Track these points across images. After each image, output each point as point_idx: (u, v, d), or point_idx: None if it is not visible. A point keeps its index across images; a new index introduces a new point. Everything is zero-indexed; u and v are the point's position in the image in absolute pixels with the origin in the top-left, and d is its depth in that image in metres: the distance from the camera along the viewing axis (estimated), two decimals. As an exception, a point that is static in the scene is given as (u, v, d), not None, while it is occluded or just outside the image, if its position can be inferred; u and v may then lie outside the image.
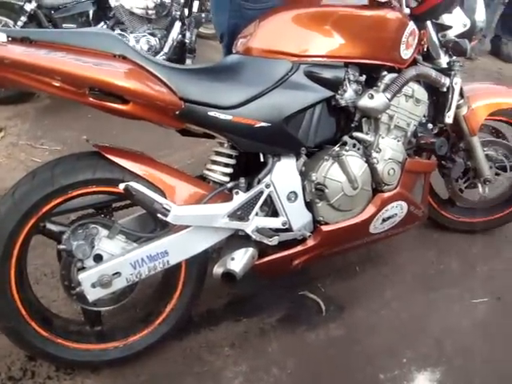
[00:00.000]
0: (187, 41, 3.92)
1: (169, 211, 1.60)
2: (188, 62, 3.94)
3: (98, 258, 1.68)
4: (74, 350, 1.80)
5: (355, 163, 1.84)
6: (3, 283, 1.63)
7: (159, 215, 1.60)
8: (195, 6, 4.02)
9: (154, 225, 1.79)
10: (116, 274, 1.65)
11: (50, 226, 1.70)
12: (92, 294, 1.66)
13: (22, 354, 1.89)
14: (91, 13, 3.79)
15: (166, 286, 1.90)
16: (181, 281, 1.83)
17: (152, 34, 3.84)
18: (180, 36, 3.91)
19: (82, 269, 1.66)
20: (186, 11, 4.01)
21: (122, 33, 3.79)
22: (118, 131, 3.29)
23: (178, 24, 3.88)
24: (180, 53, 3.94)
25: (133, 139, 2.97)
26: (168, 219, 1.61)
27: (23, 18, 3.66)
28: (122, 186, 1.59)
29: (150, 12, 3.79)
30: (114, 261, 1.65)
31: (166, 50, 3.86)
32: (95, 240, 1.67)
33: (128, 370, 1.88)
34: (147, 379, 1.86)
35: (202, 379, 1.86)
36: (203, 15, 3.94)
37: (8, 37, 1.42)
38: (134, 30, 3.82)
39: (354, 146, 1.85)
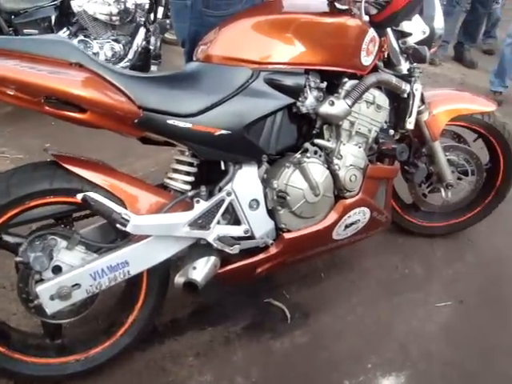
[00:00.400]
0: (152, 47, 3.89)
1: (128, 221, 1.58)
2: (153, 68, 3.91)
3: (57, 270, 1.64)
4: (32, 365, 1.76)
5: (317, 170, 1.84)
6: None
7: (118, 225, 1.58)
8: (160, 12, 4.00)
9: (116, 234, 1.76)
10: (75, 285, 1.62)
11: (6, 237, 1.66)
12: (51, 307, 1.62)
13: (-21, 370, 1.84)
14: (53, 18, 3.72)
15: (128, 296, 1.87)
16: (143, 291, 1.81)
17: (116, 41, 3.80)
18: (144, 42, 3.88)
19: (41, 281, 1.63)
20: (151, 17, 3.98)
21: (86, 39, 3.74)
22: (82, 139, 3.18)
23: (142, 30, 3.85)
24: (145, 59, 3.90)
25: (97, 147, 2.93)
26: (127, 229, 1.59)
27: (-18, 24, 3.59)
28: (79, 197, 1.56)
29: (113, 18, 3.74)
30: (74, 272, 1.62)
31: (130, 56, 3.82)
32: (54, 251, 1.64)
33: (90, 383, 1.84)
34: (109, 394, 1.83)
35: (166, 391, 1.84)
36: (168, 21, 3.91)
37: (-42, 44, 1.39)
38: (98, 36, 3.77)
39: (316, 152, 1.85)
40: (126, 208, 1.63)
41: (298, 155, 1.82)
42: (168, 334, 2.05)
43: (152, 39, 3.89)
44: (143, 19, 3.86)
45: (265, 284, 2.25)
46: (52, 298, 1.60)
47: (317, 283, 2.32)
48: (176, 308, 2.13)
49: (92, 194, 1.56)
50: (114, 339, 1.83)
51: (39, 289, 1.59)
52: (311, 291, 2.27)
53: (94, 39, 3.77)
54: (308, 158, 1.82)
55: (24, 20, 3.68)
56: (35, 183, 1.59)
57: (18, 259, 1.62)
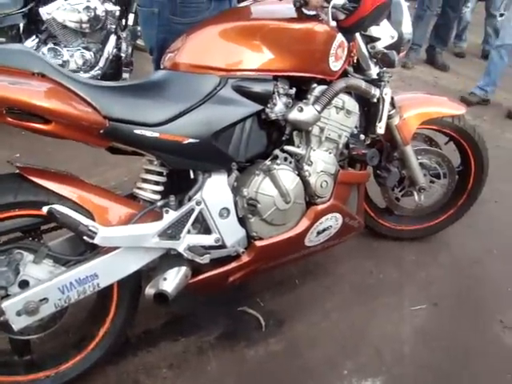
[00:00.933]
0: (123, 54, 3.84)
1: (95, 233, 1.55)
2: (125, 75, 3.86)
3: (24, 284, 1.60)
4: None
5: (287, 177, 1.83)
6: None
7: (85, 238, 1.55)
8: (131, 18, 3.95)
9: (85, 246, 1.73)
10: (43, 299, 1.58)
11: None
12: (17, 323, 1.58)
13: None
14: (21, 26, 3.65)
15: (99, 308, 1.84)
16: (113, 303, 1.78)
17: (86, 48, 3.74)
18: (116, 50, 3.82)
19: (6, 296, 1.58)
20: (122, 24, 3.94)
21: (55, 47, 3.67)
22: (53, 149, 3.16)
23: (113, 37, 3.79)
24: (116, 67, 3.85)
25: (68, 157, 2.90)
26: (95, 241, 1.56)
27: (-52, 32, 3.51)
28: (45, 209, 1.52)
29: (83, 25, 3.69)
30: (41, 286, 1.58)
31: (101, 64, 3.77)
32: (20, 265, 1.60)
33: None
34: (82, 407, 1.80)
35: (139, 405, 1.81)
36: (139, 28, 3.86)
37: None
38: (68, 44, 3.71)
39: (286, 159, 1.85)
40: (94, 220, 1.60)
41: (267, 162, 1.81)
42: (141, 345, 2.02)
43: (123, 46, 3.84)
44: (114, 26, 3.80)
45: (239, 292, 2.23)
46: (19, 313, 1.56)
47: (291, 290, 2.31)
48: (149, 319, 2.10)
49: (58, 207, 1.53)
50: (86, 353, 1.80)
51: (5, 305, 1.55)
52: (286, 298, 2.26)
53: (63, 47, 3.70)
54: (278, 164, 1.81)
55: (-9, 28, 3.61)
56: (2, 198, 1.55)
57: (-21, 274, 1.58)
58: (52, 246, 1.71)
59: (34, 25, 3.74)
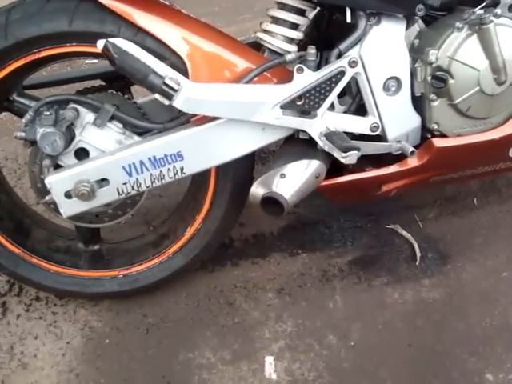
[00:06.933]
0: None
1: (176, 91, 0.98)
2: None
3: (84, 154, 1.14)
4: (53, 275, 1.34)
5: (509, 39, 1.11)
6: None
7: (158, 96, 1.00)
8: None
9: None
10: (102, 181, 1.11)
11: (20, 99, 1.20)
12: (67, 208, 1.13)
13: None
14: None
15: (190, 202, 1.36)
16: (208, 197, 1.27)
17: None
18: None
19: (57, 168, 1.13)
20: None
21: None
22: None
23: None
24: None
25: None
26: (174, 103, 1.01)
27: None
28: (100, 44, 0.99)
29: None
30: (98, 161, 1.10)
31: None
32: (75, 127, 1.12)
33: (133, 304, 1.42)
34: (155, 323, 1.39)
35: (226, 335, 1.35)
36: None
37: None
38: None
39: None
40: (186, 72, 1.06)
41: (478, 11, 1.10)
42: (246, 253, 1.56)
43: None
44: None
45: (391, 202, 1.63)
46: (68, 195, 1.11)
47: (466, 212, 1.65)
48: (265, 219, 1.60)
49: (120, 42, 0.98)
50: (166, 256, 1.34)
51: (48, 180, 1.10)
52: (456, 223, 1.61)
53: None
54: (497, 16, 1.10)
55: None
56: (47, 21, 1.07)
57: (18, 134, 1.11)
58: (142, 104, 1.24)
59: None
